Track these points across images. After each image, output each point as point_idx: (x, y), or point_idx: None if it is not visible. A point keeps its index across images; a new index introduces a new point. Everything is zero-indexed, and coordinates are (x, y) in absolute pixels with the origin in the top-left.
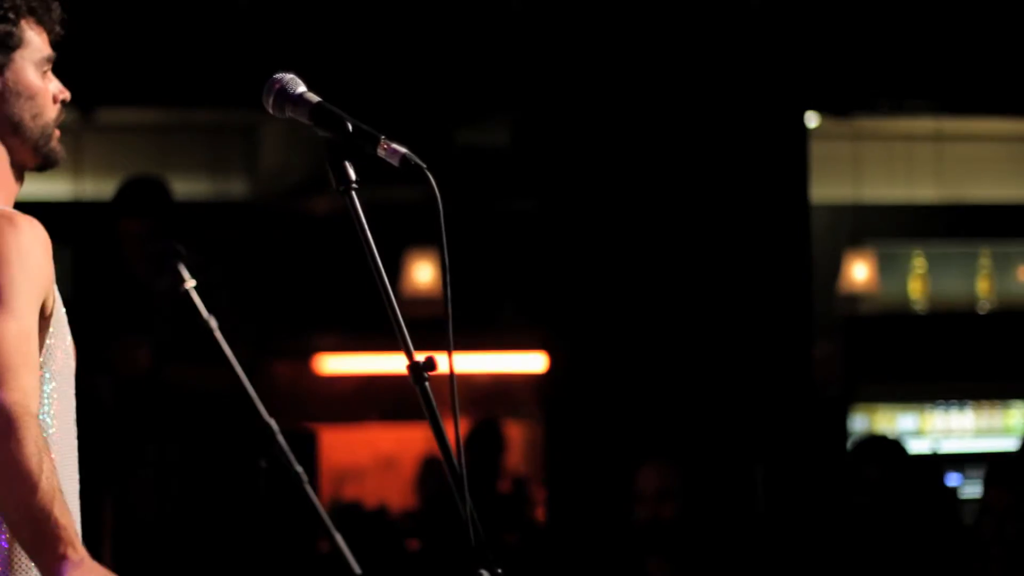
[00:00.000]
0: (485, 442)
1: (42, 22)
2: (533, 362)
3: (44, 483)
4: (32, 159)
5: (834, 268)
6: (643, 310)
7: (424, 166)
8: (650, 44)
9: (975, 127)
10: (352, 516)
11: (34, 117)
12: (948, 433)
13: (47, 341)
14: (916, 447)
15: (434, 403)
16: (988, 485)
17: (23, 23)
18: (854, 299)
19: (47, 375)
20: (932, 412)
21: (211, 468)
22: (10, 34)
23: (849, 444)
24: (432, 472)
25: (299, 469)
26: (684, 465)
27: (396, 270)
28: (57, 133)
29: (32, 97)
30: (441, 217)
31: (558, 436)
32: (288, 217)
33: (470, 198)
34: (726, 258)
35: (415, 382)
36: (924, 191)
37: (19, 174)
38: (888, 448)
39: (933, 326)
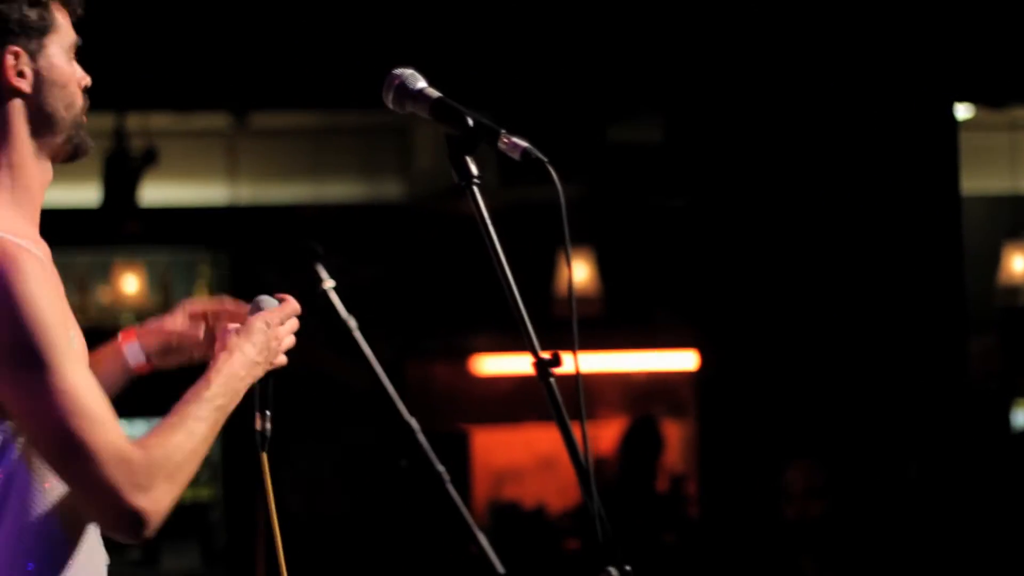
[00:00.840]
0: (642, 440)
1: (67, 4)
2: (686, 360)
3: (187, 439)
4: (63, 151)
5: (992, 260)
6: (793, 306)
7: (545, 160)
8: (798, 38)
9: None
10: (511, 516)
11: (68, 107)
12: None
13: None
14: None
15: (560, 399)
16: None
17: (52, 5)
18: (1014, 291)
19: None
20: None
21: (357, 468)
22: (42, 17)
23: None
24: (596, 472)
25: (441, 468)
26: (831, 463)
27: (549, 269)
28: (84, 121)
29: (65, 85)
30: (564, 210)
31: (711, 434)
32: (442, 218)
33: (623, 195)
34: (877, 253)
35: (540, 379)
36: None
37: (45, 171)
38: None
39: None
